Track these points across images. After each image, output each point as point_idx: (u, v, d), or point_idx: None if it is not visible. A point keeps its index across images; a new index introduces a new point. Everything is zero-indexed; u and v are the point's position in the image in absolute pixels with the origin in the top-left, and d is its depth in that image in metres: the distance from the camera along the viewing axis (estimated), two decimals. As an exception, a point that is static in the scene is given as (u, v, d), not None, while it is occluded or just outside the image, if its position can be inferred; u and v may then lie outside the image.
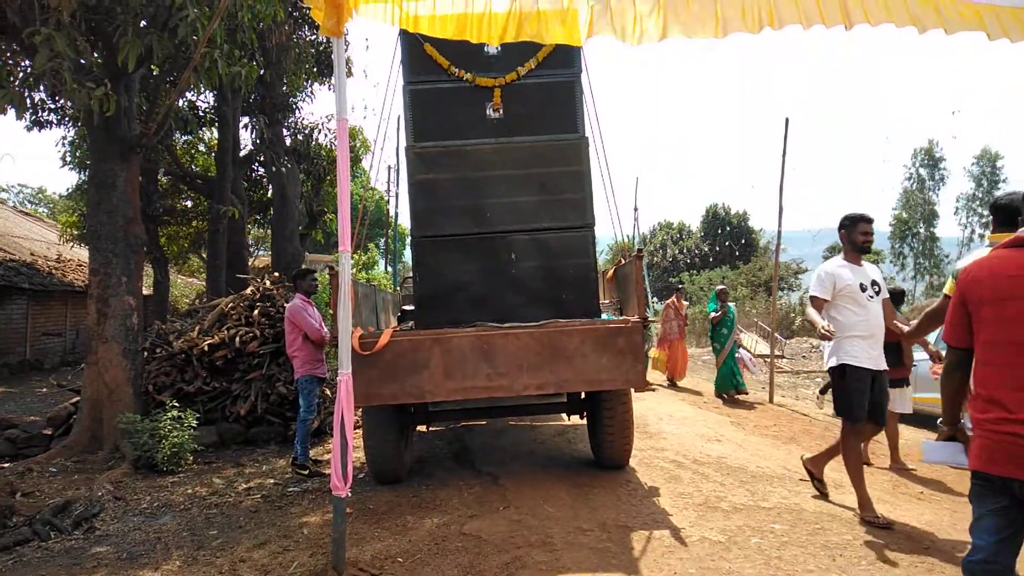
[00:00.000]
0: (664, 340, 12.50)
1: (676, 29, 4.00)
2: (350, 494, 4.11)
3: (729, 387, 11.03)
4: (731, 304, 11.54)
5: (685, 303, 13.06)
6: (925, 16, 3.87)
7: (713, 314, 11.26)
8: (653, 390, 5.58)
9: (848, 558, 4.27)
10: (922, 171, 41.87)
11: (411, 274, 6.74)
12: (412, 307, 6.84)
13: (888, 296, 5.36)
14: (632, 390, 5.75)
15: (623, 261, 6.75)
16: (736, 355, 11.43)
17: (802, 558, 4.26)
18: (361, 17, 4.08)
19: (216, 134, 15.79)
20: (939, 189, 41.57)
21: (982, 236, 40.23)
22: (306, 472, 6.56)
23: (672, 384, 12.47)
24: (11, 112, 6.57)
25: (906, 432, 8.10)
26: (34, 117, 12.56)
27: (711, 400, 11.13)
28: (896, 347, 6.74)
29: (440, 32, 4.09)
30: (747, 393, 11.19)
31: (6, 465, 7.13)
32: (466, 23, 4.06)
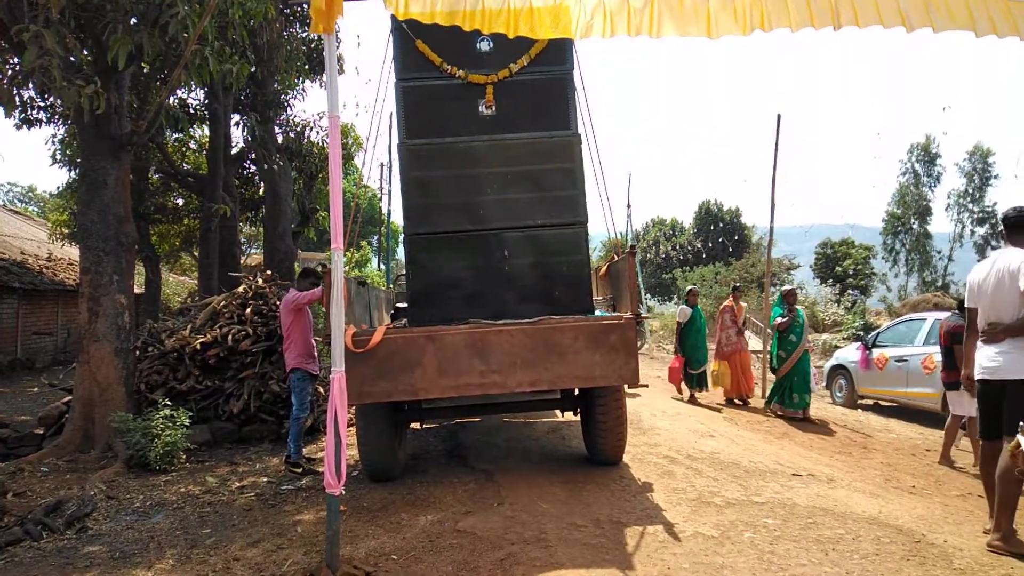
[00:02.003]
0: (721, 351, 10.48)
1: (669, 28, 4.01)
2: (344, 492, 4.10)
3: (794, 403, 9.30)
4: (799, 308, 9.78)
5: (743, 305, 11.04)
6: (914, 15, 3.89)
7: (780, 320, 9.55)
8: (646, 386, 5.59)
9: (841, 552, 4.30)
10: (918, 166, 42.01)
11: (404, 271, 6.73)
12: (405, 304, 6.83)
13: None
14: (625, 386, 5.76)
15: (616, 258, 6.77)
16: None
17: (795, 552, 4.28)
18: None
19: (207, 132, 15.71)
20: (935, 186, 41.71)
21: (973, 232, 40.46)
22: (299, 470, 6.55)
23: (743, 402, 10.39)
24: (0, 110, 6.53)
25: (904, 428, 8.17)
26: (23, 115, 12.42)
27: (819, 431, 8.91)
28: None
29: (429, 19, 4.10)
30: (800, 414, 9.37)
31: (-3, 465, 7.10)
32: (457, 17, 4.06)
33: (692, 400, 10.43)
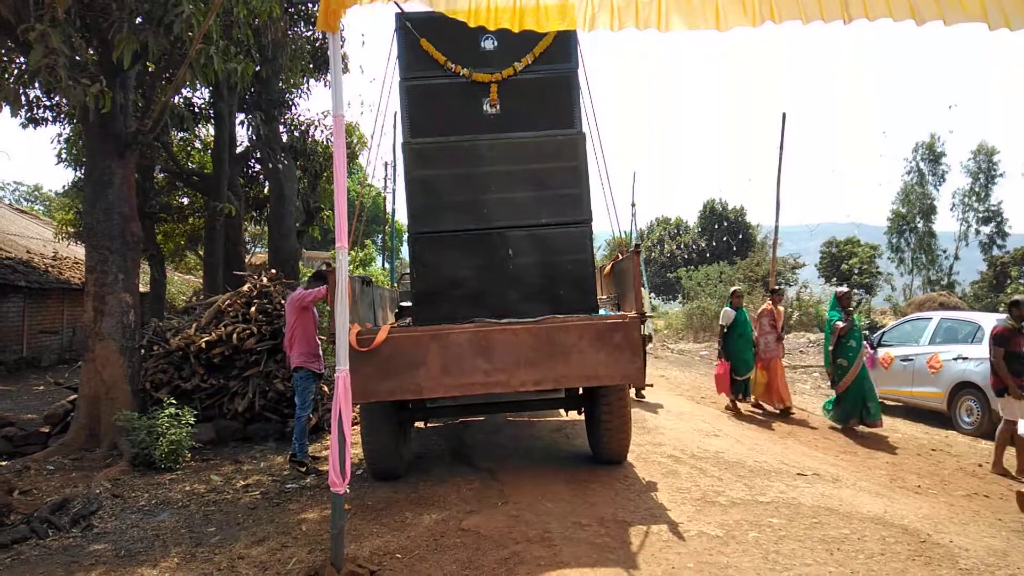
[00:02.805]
0: (759, 357, 9.68)
1: (677, 21, 3.99)
2: (348, 490, 4.11)
3: (871, 414, 8.32)
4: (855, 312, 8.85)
5: (781, 309, 10.29)
6: (924, 8, 3.83)
7: (840, 324, 8.55)
8: (650, 385, 5.59)
9: (845, 552, 4.28)
10: (922, 165, 41.87)
11: (409, 270, 6.74)
12: (410, 303, 6.83)
13: None
14: (644, 397, 5.75)
15: (620, 257, 6.76)
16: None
17: (800, 552, 4.27)
18: None
19: (212, 131, 15.73)
20: (940, 185, 41.56)
21: (978, 232, 40.27)
22: (303, 469, 6.56)
23: (784, 412, 9.50)
24: (6, 109, 6.55)
25: (910, 428, 8.14)
26: (29, 114, 12.48)
27: (824, 430, 8.53)
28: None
29: (431, 5, 4.07)
30: (881, 424, 8.40)
31: (4, 463, 7.11)
32: (461, 13, 4.04)
33: (734, 408, 9.60)
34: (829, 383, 8.96)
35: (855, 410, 8.35)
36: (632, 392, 8.66)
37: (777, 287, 10.70)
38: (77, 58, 6.77)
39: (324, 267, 6.15)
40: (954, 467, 6.91)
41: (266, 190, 17.02)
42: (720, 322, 9.85)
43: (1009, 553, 4.41)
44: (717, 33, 4.01)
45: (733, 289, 10.20)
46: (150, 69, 8.36)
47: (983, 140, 42.42)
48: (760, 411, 9.77)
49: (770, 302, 10.12)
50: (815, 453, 7.27)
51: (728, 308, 9.76)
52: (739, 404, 9.67)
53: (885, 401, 11.17)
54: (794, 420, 9.21)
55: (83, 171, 11.85)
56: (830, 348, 8.65)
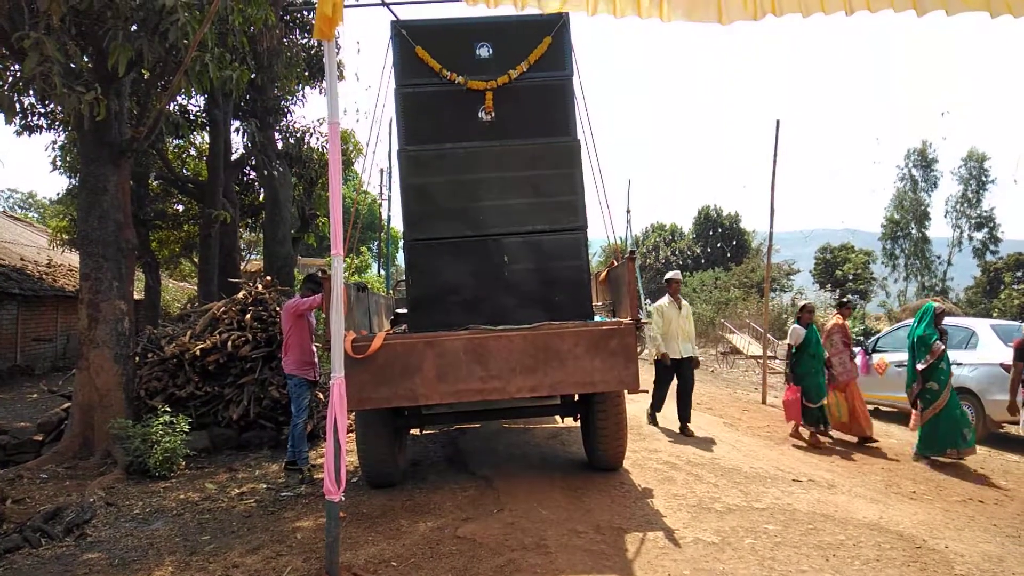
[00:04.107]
0: (833, 380, 8.46)
1: (679, 12, 4.01)
2: (344, 498, 4.09)
3: (967, 441, 7.21)
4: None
5: (848, 324, 9.10)
6: None
7: (939, 345, 7.34)
8: (646, 391, 5.58)
9: (841, 558, 4.29)
10: (915, 172, 42.11)
11: (404, 277, 6.73)
12: (405, 310, 6.83)
13: None
14: (625, 392, 5.76)
15: (616, 263, 6.77)
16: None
17: (795, 558, 4.27)
18: None
19: (207, 138, 15.73)
20: (933, 191, 41.80)
21: (971, 238, 40.47)
22: (302, 476, 6.54)
23: (865, 441, 8.29)
24: (0, 117, 6.53)
25: (904, 434, 8.14)
26: (24, 121, 12.43)
27: (906, 463, 7.37)
28: None
29: None
30: (975, 450, 7.34)
31: (-4, 472, 7.08)
32: None
33: (814, 441, 8.08)
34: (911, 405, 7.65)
35: (951, 438, 7.23)
36: (677, 428, 8.39)
37: (846, 299, 9.75)
38: (72, 66, 6.76)
39: (319, 273, 6.14)
40: (949, 473, 6.93)
41: (261, 197, 17.00)
42: (788, 341, 8.64)
43: (1005, 559, 4.42)
44: (713, 36, 4.10)
45: (803, 304, 9.10)
46: (145, 76, 8.36)
47: (973, 146, 42.58)
48: (830, 439, 8.39)
49: (839, 316, 8.97)
50: (810, 459, 7.28)
51: (797, 326, 8.54)
52: (819, 436, 8.14)
53: (879, 407, 11.21)
54: (875, 451, 7.93)
55: (77, 178, 11.84)
56: (919, 368, 7.43)
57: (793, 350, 8.49)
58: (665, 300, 8.78)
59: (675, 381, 8.73)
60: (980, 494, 6.12)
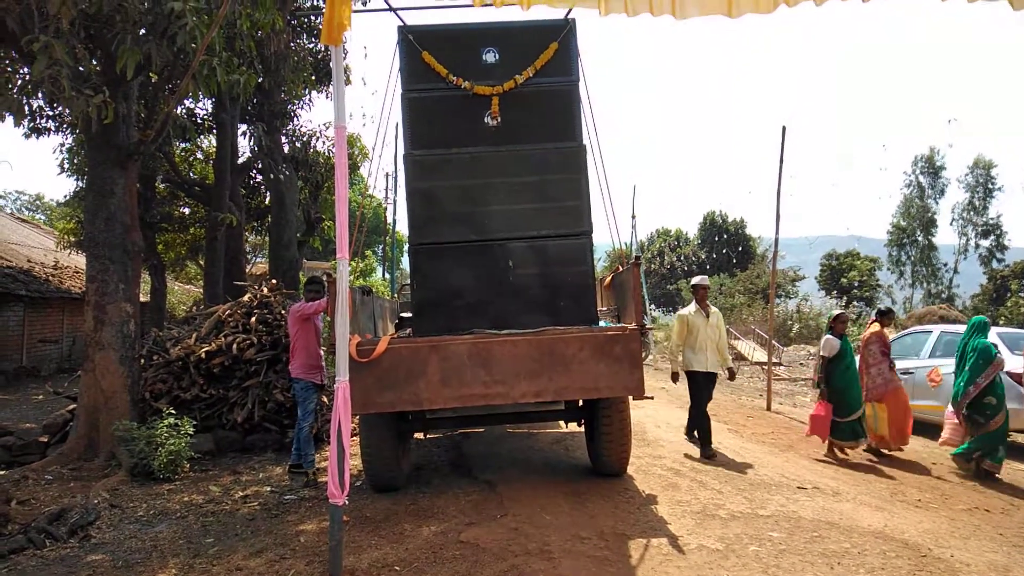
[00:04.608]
0: (871, 391, 7.94)
1: (691, 7, 4.00)
2: (347, 502, 4.10)
3: (998, 457, 7.02)
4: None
5: (887, 333, 8.52)
6: None
7: (1001, 359, 7.16)
8: (651, 398, 5.57)
9: (846, 566, 4.27)
10: (922, 179, 42.02)
11: (409, 281, 6.75)
12: (410, 314, 6.84)
13: None
14: (630, 398, 5.75)
15: (621, 268, 6.77)
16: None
17: (800, 566, 4.25)
18: None
19: (214, 142, 15.81)
20: (940, 198, 41.71)
21: (978, 245, 40.35)
22: (307, 479, 6.55)
23: (890, 451, 7.92)
24: (9, 119, 6.57)
25: (910, 441, 8.08)
26: (32, 124, 12.55)
27: (950, 479, 7.01)
28: None
29: None
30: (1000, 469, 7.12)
31: (2, 473, 7.10)
32: None
33: (840, 454, 7.75)
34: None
35: (993, 450, 7.05)
36: (697, 452, 7.43)
37: (886, 308, 8.88)
38: (80, 69, 6.81)
39: (324, 276, 6.16)
40: (955, 481, 6.89)
41: (267, 200, 17.08)
42: (822, 352, 8.00)
43: (1011, 568, 4.39)
44: (718, 40, 4.09)
45: (837, 313, 8.36)
46: (153, 80, 8.40)
47: (980, 154, 42.51)
48: (876, 457, 7.86)
49: (877, 325, 8.39)
50: (815, 466, 7.25)
51: (830, 336, 7.96)
52: (848, 450, 7.79)
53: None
54: (906, 463, 7.59)
55: (85, 181, 11.88)
56: (979, 382, 7.12)
57: (827, 362, 7.88)
58: (691, 308, 7.73)
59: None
60: (986, 503, 6.09)
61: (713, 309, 7.83)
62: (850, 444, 7.71)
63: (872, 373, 8.03)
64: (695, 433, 7.83)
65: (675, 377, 7.77)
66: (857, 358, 8.05)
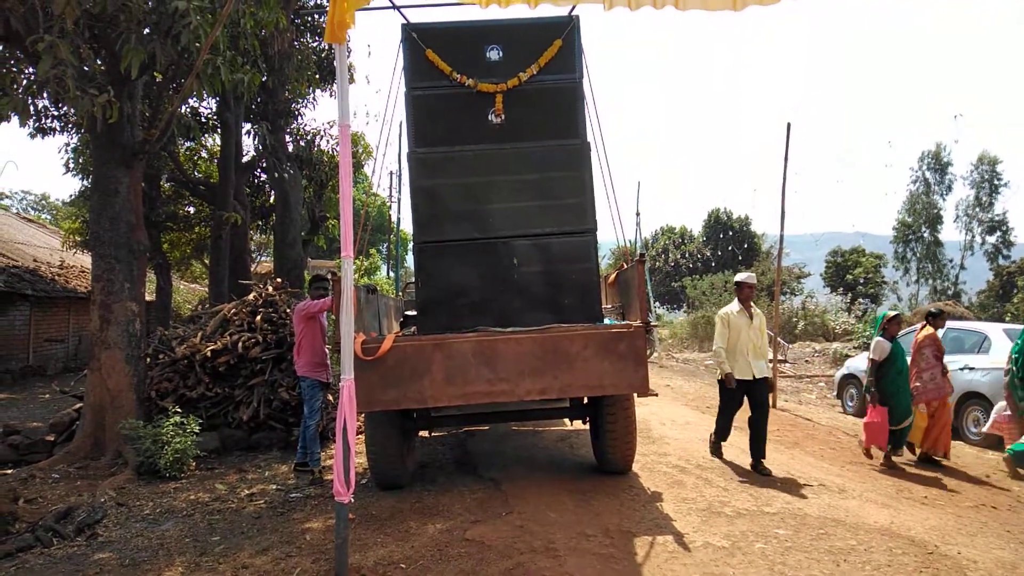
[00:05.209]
0: (925, 393, 7.52)
1: (695, 2, 4.00)
2: (353, 500, 4.10)
3: None
4: None
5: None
6: None
7: None
8: (655, 395, 5.56)
9: (852, 563, 4.26)
10: (928, 175, 41.83)
11: (413, 279, 6.74)
12: (415, 312, 6.85)
13: None
14: (635, 395, 5.74)
15: (625, 266, 6.76)
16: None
17: (806, 563, 4.24)
18: None
19: (218, 140, 15.84)
20: (946, 195, 41.50)
21: (983, 241, 40.15)
22: (307, 470, 6.56)
23: (928, 460, 7.53)
24: (15, 119, 6.60)
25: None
26: (37, 124, 12.61)
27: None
28: None
29: None
30: None
31: (9, 471, 7.13)
32: None
33: (889, 464, 7.27)
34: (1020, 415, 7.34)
35: None
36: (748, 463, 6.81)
37: (937, 310, 8.35)
38: (85, 69, 6.82)
39: (329, 274, 6.16)
40: (961, 478, 6.87)
41: (272, 199, 17.10)
42: (871, 356, 7.50)
43: (1018, 565, 4.38)
44: (722, 35, 4.07)
45: (892, 315, 7.70)
46: (157, 79, 8.42)
47: (984, 150, 42.27)
48: (935, 467, 7.41)
49: (930, 328, 7.92)
50: (821, 464, 7.24)
51: (881, 338, 7.47)
52: (894, 457, 7.39)
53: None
54: (951, 471, 7.24)
55: (90, 180, 11.92)
56: None
57: (878, 366, 7.43)
58: (734, 307, 7.02)
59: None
60: (993, 499, 6.07)
61: (757, 310, 7.09)
62: (897, 454, 7.38)
63: (925, 378, 7.61)
64: (720, 447, 7.27)
65: (728, 379, 6.74)
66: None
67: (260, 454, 7.80)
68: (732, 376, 6.70)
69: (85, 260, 18.81)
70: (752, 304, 7.07)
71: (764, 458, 6.71)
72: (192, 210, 18.64)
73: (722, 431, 7.15)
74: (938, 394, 7.54)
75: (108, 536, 5.20)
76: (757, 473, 6.58)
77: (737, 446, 7.34)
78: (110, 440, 7.42)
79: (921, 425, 7.52)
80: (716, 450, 7.26)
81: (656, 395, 5.77)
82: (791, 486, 6.06)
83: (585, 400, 6.37)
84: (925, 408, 7.48)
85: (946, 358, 7.97)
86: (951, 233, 42.14)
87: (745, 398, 6.85)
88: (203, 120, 15.49)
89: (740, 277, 7.24)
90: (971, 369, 8.88)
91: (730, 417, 7.07)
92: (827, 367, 17.92)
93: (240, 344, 8.05)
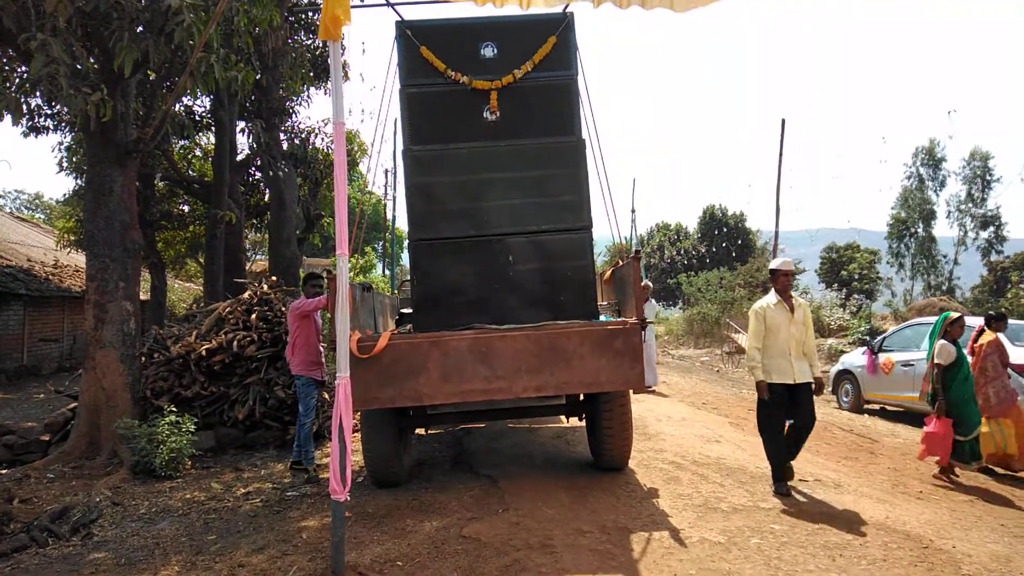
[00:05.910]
0: (993, 406, 7.05)
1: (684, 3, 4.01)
2: (349, 498, 4.10)
3: None
4: None
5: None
6: None
7: None
8: (652, 391, 5.55)
9: (848, 558, 4.27)
10: (922, 170, 41.93)
11: (409, 277, 6.74)
12: (410, 310, 6.84)
13: None
14: (631, 392, 5.74)
15: (621, 263, 6.76)
16: None
17: (802, 558, 4.26)
18: None
19: (213, 139, 15.79)
20: (940, 190, 41.62)
21: (976, 236, 40.28)
22: (302, 469, 6.56)
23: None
24: (7, 118, 6.56)
25: (911, 433, 8.12)
26: (30, 123, 12.53)
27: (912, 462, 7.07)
28: None
29: None
30: None
31: (4, 471, 7.11)
32: None
33: (946, 477, 6.78)
34: None
35: None
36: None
37: (997, 313, 7.76)
38: (78, 67, 6.79)
39: (324, 272, 6.15)
40: (956, 472, 6.89)
41: (266, 197, 17.06)
42: (937, 360, 6.85)
43: (1012, 559, 4.40)
44: (719, 35, 4.05)
45: (955, 316, 6.99)
46: (151, 78, 8.39)
47: (976, 145, 42.35)
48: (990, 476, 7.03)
49: (991, 332, 7.36)
50: (816, 459, 7.26)
51: (945, 342, 6.87)
52: (958, 470, 6.89)
53: (886, 407, 11.20)
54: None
55: (84, 179, 11.88)
56: None
57: (944, 371, 6.85)
58: (770, 299, 5.87)
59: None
60: (988, 494, 6.10)
61: (799, 301, 5.93)
62: (970, 466, 6.83)
63: (996, 386, 7.11)
64: (786, 486, 5.73)
65: (762, 388, 5.71)
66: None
67: (256, 453, 7.79)
68: (764, 385, 5.67)
69: (79, 259, 18.75)
70: (792, 295, 5.92)
71: (793, 459, 5.90)
72: (187, 209, 18.58)
73: (774, 458, 5.77)
74: (1012, 402, 7.07)
75: (104, 536, 5.19)
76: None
77: (736, 444, 7.35)
78: (105, 440, 7.41)
79: (1011, 433, 6.97)
80: (781, 489, 5.66)
81: (651, 391, 5.78)
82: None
83: (581, 397, 6.38)
84: (1009, 421, 6.99)
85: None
86: (945, 229, 42.26)
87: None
88: (197, 118, 15.43)
89: (775, 264, 6.07)
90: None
91: (775, 437, 5.78)
92: (822, 363, 17.99)
93: (235, 343, 8.04)
